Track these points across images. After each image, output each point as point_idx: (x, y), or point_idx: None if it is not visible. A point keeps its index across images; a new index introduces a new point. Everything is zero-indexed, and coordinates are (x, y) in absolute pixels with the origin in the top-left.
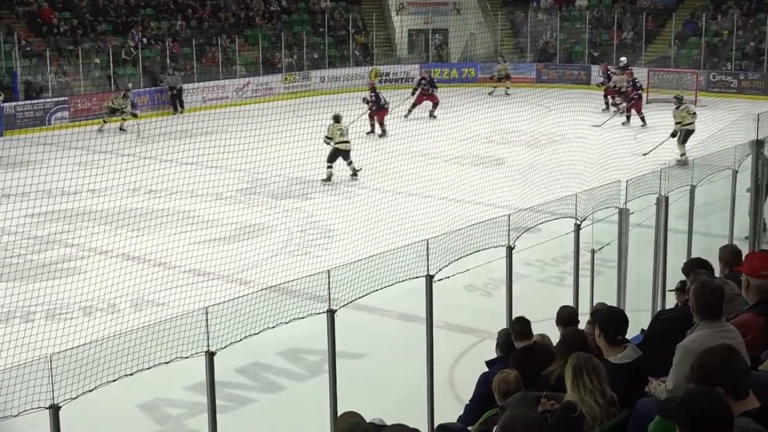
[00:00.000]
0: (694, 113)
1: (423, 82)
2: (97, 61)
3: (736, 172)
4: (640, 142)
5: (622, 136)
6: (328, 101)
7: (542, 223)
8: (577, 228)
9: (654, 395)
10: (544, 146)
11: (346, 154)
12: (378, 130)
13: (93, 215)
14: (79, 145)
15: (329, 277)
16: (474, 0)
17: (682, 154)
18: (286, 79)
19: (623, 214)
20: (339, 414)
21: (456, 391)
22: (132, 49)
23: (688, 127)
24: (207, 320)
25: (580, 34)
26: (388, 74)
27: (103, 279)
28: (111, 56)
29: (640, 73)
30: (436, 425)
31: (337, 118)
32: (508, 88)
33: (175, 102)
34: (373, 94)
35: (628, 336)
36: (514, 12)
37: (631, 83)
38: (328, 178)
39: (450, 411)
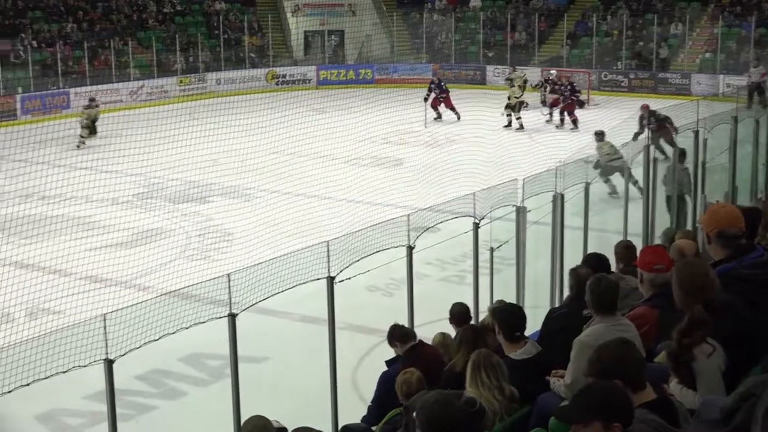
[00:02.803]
0: None
1: (432, 86)
2: None
3: (629, 168)
4: (536, 141)
5: (519, 137)
6: (224, 104)
7: (441, 222)
8: (476, 227)
9: (554, 390)
10: (442, 146)
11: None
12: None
13: None
14: None
15: (230, 281)
16: (369, 1)
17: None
18: (181, 81)
19: (521, 212)
20: (242, 418)
21: (360, 392)
22: (21, 53)
23: None
24: (105, 327)
25: (475, 34)
26: (284, 76)
27: None
28: None
29: (534, 73)
30: (340, 426)
31: (600, 135)
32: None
33: None
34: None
35: (529, 332)
36: (409, 13)
37: (569, 87)
38: (614, 191)
39: (354, 412)
